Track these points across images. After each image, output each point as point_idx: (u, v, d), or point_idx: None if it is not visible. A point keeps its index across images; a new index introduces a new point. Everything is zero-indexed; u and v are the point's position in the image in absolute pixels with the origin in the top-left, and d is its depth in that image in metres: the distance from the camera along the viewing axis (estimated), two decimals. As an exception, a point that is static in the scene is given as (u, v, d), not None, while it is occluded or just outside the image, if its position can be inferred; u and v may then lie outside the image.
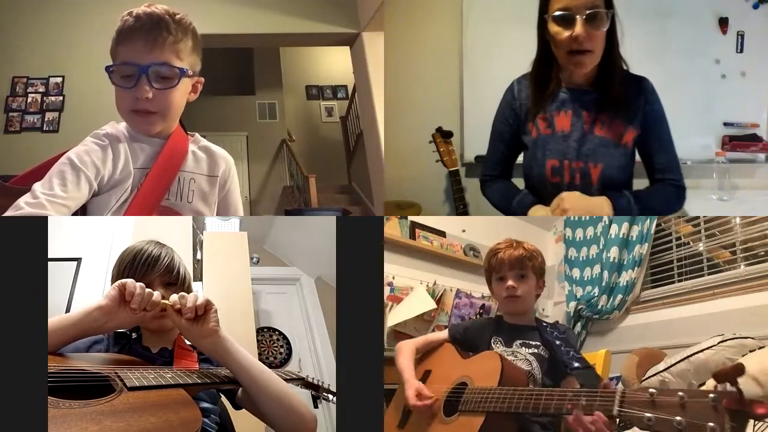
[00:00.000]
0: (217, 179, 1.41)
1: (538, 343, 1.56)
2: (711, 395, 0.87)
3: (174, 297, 1.12)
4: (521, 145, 1.80)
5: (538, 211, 1.72)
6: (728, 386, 0.87)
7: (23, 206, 1.13)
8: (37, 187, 1.17)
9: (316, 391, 1.49)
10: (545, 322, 1.63)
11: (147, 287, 1.26)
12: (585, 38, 1.53)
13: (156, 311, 1.11)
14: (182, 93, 1.30)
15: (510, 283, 1.58)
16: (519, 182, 1.86)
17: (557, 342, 1.50)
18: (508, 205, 1.81)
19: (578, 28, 1.52)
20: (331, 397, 1.45)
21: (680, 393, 0.90)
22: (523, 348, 1.57)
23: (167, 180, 1.32)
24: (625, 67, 1.68)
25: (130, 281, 1.09)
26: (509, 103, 1.79)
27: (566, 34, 1.55)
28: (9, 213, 1.12)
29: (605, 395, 1.03)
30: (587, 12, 1.52)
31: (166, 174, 1.32)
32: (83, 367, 1.01)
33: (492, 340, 1.62)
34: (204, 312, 1.12)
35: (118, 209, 1.27)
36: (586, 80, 1.67)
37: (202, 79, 1.36)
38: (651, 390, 0.94)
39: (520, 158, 1.85)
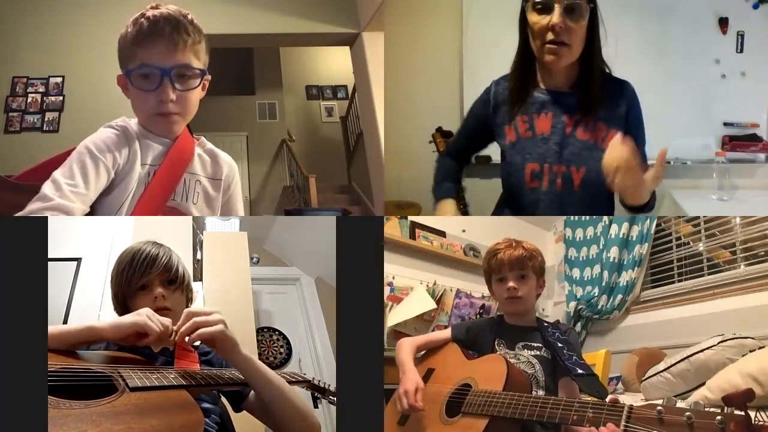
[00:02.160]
0: (221, 183, 1.42)
1: (540, 345, 1.54)
2: (718, 417, 0.86)
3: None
4: (486, 141, 1.78)
5: (445, 206, 1.76)
6: (736, 410, 0.85)
7: (52, 197, 1.13)
8: (59, 177, 1.17)
9: (322, 394, 1.49)
10: (546, 321, 1.62)
11: (146, 286, 1.28)
12: (562, 29, 1.48)
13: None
14: (199, 93, 1.32)
15: (511, 284, 1.56)
16: (496, 182, 1.80)
17: (559, 344, 1.48)
18: (435, 182, 1.85)
19: (555, 16, 1.47)
20: (335, 400, 1.45)
21: (688, 413, 0.89)
22: (526, 350, 1.54)
23: (174, 180, 1.32)
24: (607, 70, 1.61)
25: (155, 333, 1.10)
26: (484, 102, 1.74)
27: (544, 22, 1.49)
28: (35, 204, 1.12)
29: (613, 409, 1.02)
30: (566, 1, 1.47)
31: (173, 174, 1.32)
32: (86, 366, 1.01)
33: (495, 342, 1.60)
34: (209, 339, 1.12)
35: (126, 206, 1.27)
36: (566, 82, 1.62)
37: (209, 77, 1.36)
38: (659, 407, 0.93)
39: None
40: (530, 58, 1.60)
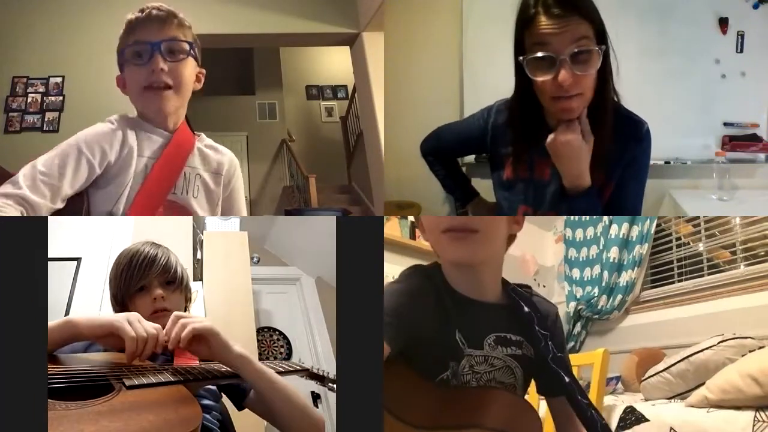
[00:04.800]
0: (222, 177, 1.43)
1: (520, 339, 1.04)
2: None
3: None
4: (471, 152, 1.74)
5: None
6: None
7: (21, 185, 1.16)
8: (39, 165, 1.20)
9: (321, 381, 1.49)
10: (520, 294, 1.09)
11: (145, 288, 1.27)
12: (572, 84, 1.27)
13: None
14: (191, 71, 1.35)
15: (564, 72, 1.21)
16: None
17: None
18: (460, 195, 1.81)
19: (563, 72, 1.25)
20: (335, 387, 1.46)
21: None
22: (500, 347, 1.02)
23: (174, 172, 1.33)
24: (617, 99, 1.41)
25: (130, 338, 1.04)
26: (481, 130, 1.59)
27: (548, 77, 1.28)
28: (5, 188, 1.16)
29: None
30: (573, 50, 1.25)
31: (173, 166, 1.33)
32: (82, 368, 1.01)
33: (457, 335, 1.01)
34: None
35: (125, 198, 1.28)
36: None
37: (204, 71, 1.40)
38: None
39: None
40: (529, 106, 1.42)
